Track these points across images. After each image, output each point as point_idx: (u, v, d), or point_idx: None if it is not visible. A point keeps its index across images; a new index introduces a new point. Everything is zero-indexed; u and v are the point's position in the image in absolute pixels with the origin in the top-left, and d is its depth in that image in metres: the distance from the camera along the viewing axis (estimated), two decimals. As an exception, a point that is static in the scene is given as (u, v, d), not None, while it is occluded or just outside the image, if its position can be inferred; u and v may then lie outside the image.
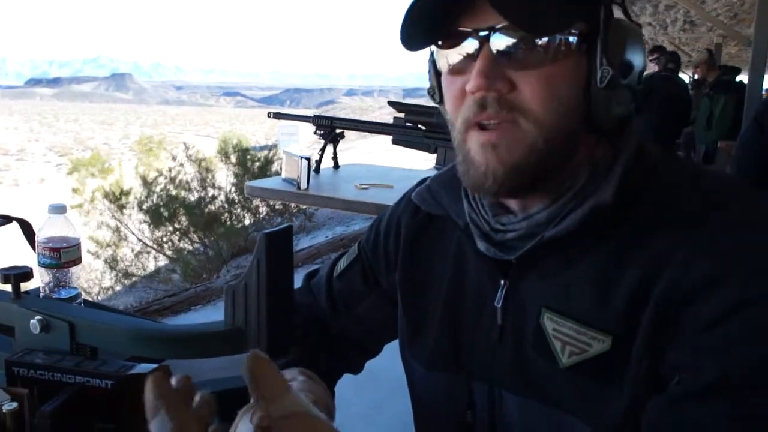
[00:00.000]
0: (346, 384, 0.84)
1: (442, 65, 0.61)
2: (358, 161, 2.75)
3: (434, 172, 0.75)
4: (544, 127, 0.55)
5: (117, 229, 7.80)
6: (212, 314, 3.83)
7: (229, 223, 7.88)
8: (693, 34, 8.86)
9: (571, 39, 0.55)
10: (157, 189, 7.86)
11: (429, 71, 0.67)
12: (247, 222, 8.08)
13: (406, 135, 2.04)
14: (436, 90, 0.66)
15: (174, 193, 7.88)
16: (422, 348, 0.71)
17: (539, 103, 0.55)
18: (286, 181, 2.04)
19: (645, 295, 0.53)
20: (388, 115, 2.58)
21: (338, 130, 2.19)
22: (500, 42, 0.55)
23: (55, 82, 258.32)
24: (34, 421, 0.62)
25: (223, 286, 0.58)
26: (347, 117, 2.54)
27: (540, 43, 0.55)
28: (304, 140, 2.26)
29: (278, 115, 2.37)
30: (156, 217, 7.70)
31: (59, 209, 0.86)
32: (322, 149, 2.21)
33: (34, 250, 0.87)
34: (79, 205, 7.68)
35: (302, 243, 6.79)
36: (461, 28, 0.57)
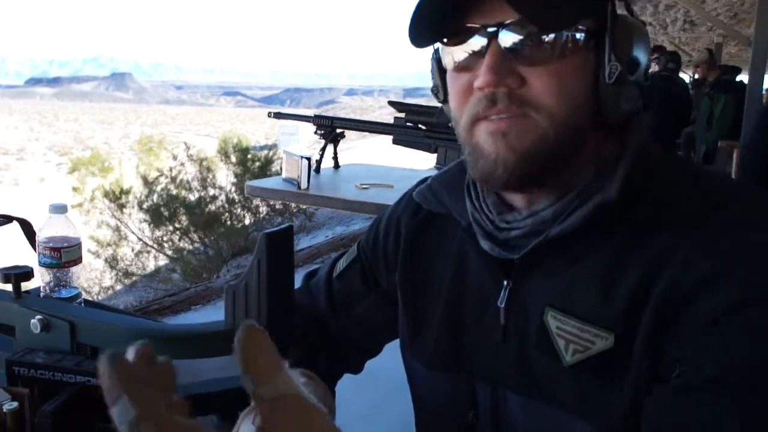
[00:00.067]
0: (346, 384, 0.84)
1: (448, 62, 0.61)
2: (359, 161, 2.75)
3: (435, 172, 0.75)
4: (555, 119, 0.56)
5: (117, 229, 7.80)
6: (212, 314, 3.83)
7: (229, 222, 7.88)
8: (693, 34, 8.85)
9: (579, 35, 0.56)
10: (158, 188, 7.86)
11: (432, 69, 0.67)
12: (247, 222, 8.08)
13: (407, 135, 2.04)
14: (440, 88, 0.66)
15: (174, 192, 7.88)
16: (423, 348, 0.71)
17: (551, 97, 0.55)
18: (287, 180, 2.04)
19: (645, 295, 0.53)
20: (388, 115, 2.58)
21: (338, 130, 2.19)
22: (509, 38, 0.55)
23: (55, 81, 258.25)
24: (35, 420, 0.62)
25: (224, 286, 0.58)
26: (347, 117, 2.54)
27: (549, 38, 0.55)
28: (305, 140, 2.26)
29: (278, 115, 2.37)
30: (156, 216, 7.70)
31: (60, 209, 0.86)
32: (323, 149, 2.21)
33: (35, 249, 0.87)
34: (80, 204, 7.68)
35: (302, 243, 6.79)
36: (469, 25, 0.57)
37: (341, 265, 0.83)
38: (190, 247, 7.83)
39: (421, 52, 0.63)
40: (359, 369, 0.86)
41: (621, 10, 0.59)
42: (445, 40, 0.60)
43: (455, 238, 0.70)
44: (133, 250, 7.85)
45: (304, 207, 7.33)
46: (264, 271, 0.55)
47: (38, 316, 0.70)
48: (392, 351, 0.83)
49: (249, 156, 8.25)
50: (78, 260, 0.86)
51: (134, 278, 7.65)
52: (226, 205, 8.01)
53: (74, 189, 7.94)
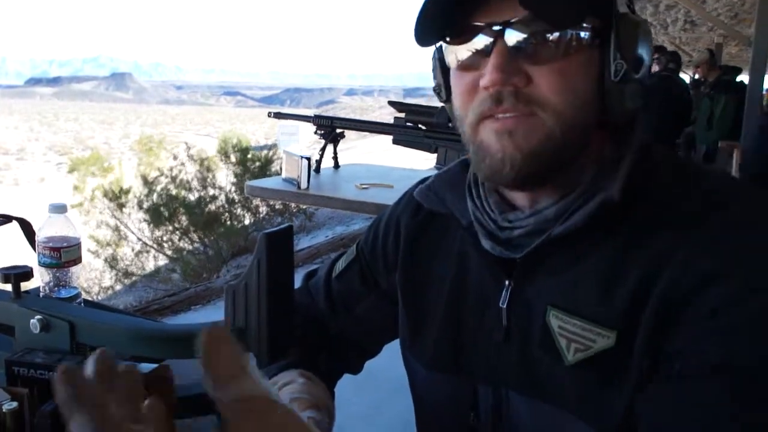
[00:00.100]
0: (346, 384, 0.84)
1: (451, 61, 0.61)
2: (359, 161, 2.75)
3: (435, 172, 0.75)
4: (561, 118, 0.55)
5: (117, 228, 7.81)
6: (212, 314, 3.83)
7: (229, 222, 7.88)
8: (693, 34, 8.86)
9: (584, 33, 0.56)
10: (158, 188, 7.86)
11: (434, 68, 0.66)
12: (247, 222, 8.08)
13: (407, 135, 2.04)
14: (442, 87, 0.66)
15: (174, 192, 7.88)
16: (422, 348, 0.71)
17: (557, 96, 0.55)
18: (287, 180, 2.04)
19: (645, 295, 0.53)
20: (388, 115, 2.58)
21: (338, 130, 2.19)
22: (515, 36, 0.55)
23: (55, 81, 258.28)
24: (34, 420, 0.62)
25: (223, 286, 0.58)
26: (347, 117, 2.54)
27: (554, 37, 0.55)
28: (305, 140, 2.26)
29: (278, 115, 2.37)
30: (156, 216, 7.70)
31: (59, 209, 0.86)
32: (323, 149, 2.21)
33: (35, 249, 0.87)
34: (80, 203, 7.69)
35: (302, 243, 6.79)
36: (475, 23, 0.57)
37: (340, 265, 0.83)
38: (190, 247, 7.83)
39: (421, 52, 0.63)
40: (359, 369, 0.86)
41: (623, 8, 0.58)
42: (448, 38, 0.60)
43: (456, 238, 0.70)
44: (132, 250, 7.85)
45: (304, 207, 7.33)
46: (264, 271, 0.55)
47: (38, 316, 0.70)
48: (392, 351, 0.83)
49: (249, 156, 8.25)
50: (77, 260, 0.86)
51: (134, 278, 7.65)
52: (226, 205, 8.01)
53: (75, 187, 7.94)
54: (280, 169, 2.10)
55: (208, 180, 8.06)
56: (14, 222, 0.94)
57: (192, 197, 7.95)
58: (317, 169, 2.18)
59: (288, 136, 2.27)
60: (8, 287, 0.76)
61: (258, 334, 0.56)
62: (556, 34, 0.55)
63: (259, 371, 0.35)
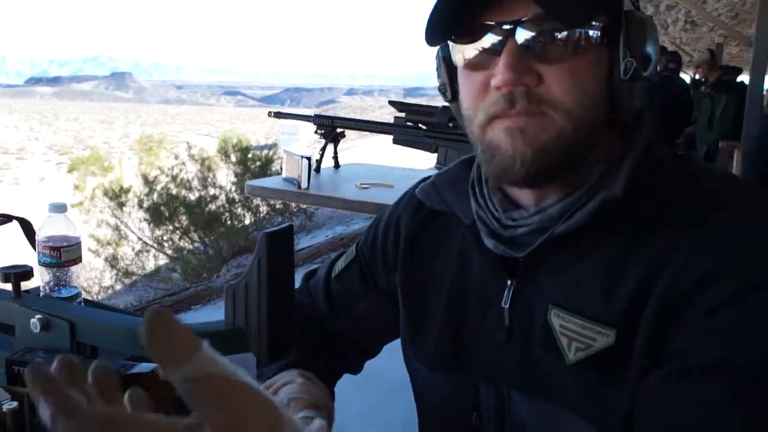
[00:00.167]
0: (345, 384, 0.84)
1: (458, 60, 0.60)
2: (359, 161, 2.75)
3: (435, 172, 0.75)
4: (572, 117, 0.55)
5: (117, 228, 7.81)
6: (212, 314, 3.83)
7: (229, 222, 7.88)
8: (694, 34, 8.85)
9: (594, 32, 0.56)
10: (158, 187, 7.87)
11: (438, 67, 0.66)
12: (247, 221, 8.08)
13: (407, 134, 2.04)
14: (447, 86, 0.65)
15: (174, 192, 7.88)
16: (423, 348, 0.71)
17: (568, 96, 0.55)
18: (287, 180, 2.04)
19: (645, 295, 0.53)
20: (388, 115, 2.58)
21: (339, 130, 2.19)
22: (525, 35, 0.55)
23: (55, 80, 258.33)
24: (35, 420, 0.62)
25: (224, 286, 0.58)
26: (348, 116, 2.54)
27: (565, 36, 0.55)
28: (305, 139, 2.26)
29: (279, 115, 2.37)
30: (156, 215, 7.71)
31: (60, 208, 0.86)
32: (323, 149, 2.21)
33: (35, 249, 0.87)
34: (80, 203, 7.69)
35: (302, 242, 6.79)
36: (485, 22, 0.56)
37: (340, 265, 0.83)
38: (190, 247, 7.83)
39: (421, 52, 0.63)
40: (359, 369, 0.86)
41: (628, 5, 0.58)
42: (453, 37, 0.60)
43: (457, 237, 0.70)
44: (133, 249, 7.85)
45: (304, 207, 7.34)
46: (264, 271, 0.55)
47: (38, 316, 0.70)
48: (392, 351, 0.83)
49: (249, 155, 8.25)
50: (78, 259, 0.86)
51: (134, 278, 7.65)
52: (227, 205, 8.01)
53: (75, 186, 7.94)
54: (281, 168, 2.10)
55: (209, 179, 8.06)
56: (14, 221, 0.94)
57: (192, 197, 7.95)
58: (317, 169, 2.18)
59: (288, 135, 2.27)
60: (8, 287, 0.76)
61: (258, 333, 0.56)
62: (566, 32, 0.55)
63: (214, 350, 0.33)
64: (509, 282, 0.62)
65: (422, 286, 0.72)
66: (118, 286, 7.53)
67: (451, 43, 0.61)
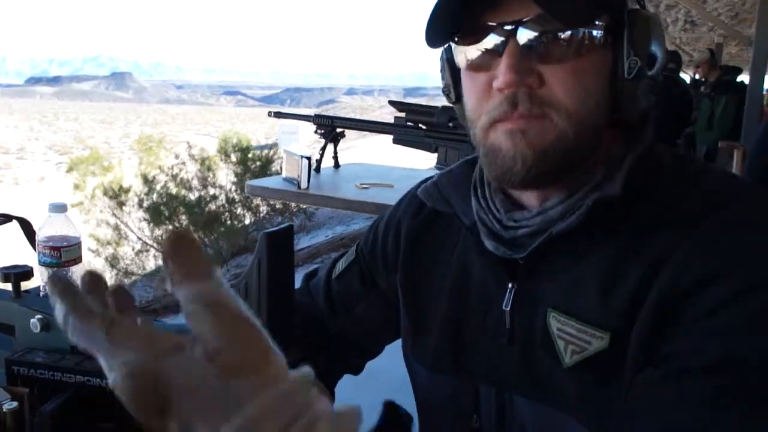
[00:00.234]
0: (346, 384, 0.84)
1: (461, 61, 0.60)
2: (359, 160, 2.75)
3: (435, 172, 0.75)
4: (574, 119, 0.55)
5: (117, 228, 7.81)
6: (212, 313, 3.82)
7: (229, 222, 7.88)
8: (694, 34, 8.85)
9: (597, 31, 0.55)
10: (158, 187, 7.87)
11: (442, 68, 0.66)
12: (247, 221, 8.08)
13: (407, 134, 2.04)
14: (451, 88, 0.65)
15: (174, 191, 7.88)
16: (424, 348, 0.71)
17: (569, 97, 0.55)
18: (287, 180, 2.04)
19: (644, 295, 0.53)
20: (388, 115, 2.58)
21: (339, 130, 2.18)
22: (527, 36, 0.54)
23: (55, 80, 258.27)
24: (35, 420, 0.62)
25: (224, 286, 0.58)
26: (348, 116, 2.54)
27: (567, 36, 0.54)
28: (305, 139, 2.26)
29: (279, 114, 2.37)
30: (156, 215, 7.71)
31: (60, 208, 0.86)
32: (323, 148, 2.21)
33: (35, 249, 0.87)
34: (80, 203, 7.69)
35: (302, 242, 6.79)
36: (487, 23, 0.56)
37: (340, 266, 0.83)
38: (191, 247, 7.81)
39: (422, 52, 0.63)
40: (359, 370, 0.86)
41: (633, 3, 0.58)
42: (456, 38, 0.59)
43: (458, 238, 0.70)
44: (133, 249, 7.85)
45: (304, 206, 7.33)
46: (264, 271, 0.55)
47: (38, 316, 0.70)
48: (392, 351, 0.83)
49: (249, 155, 8.25)
50: (78, 259, 0.86)
51: (134, 277, 7.65)
52: (226, 205, 8.01)
53: (75, 186, 7.94)
54: (281, 168, 2.10)
55: (209, 179, 8.06)
56: (14, 221, 0.94)
57: (192, 196, 7.95)
58: (317, 169, 2.17)
59: (288, 135, 2.27)
60: (8, 287, 0.76)
61: (258, 333, 0.56)
62: (569, 32, 0.54)
63: (227, 282, 0.34)
64: (510, 285, 0.62)
65: (423, 286, 0.72)
66: (118, 286, 7.52)
67: (453, 45, 0.61)
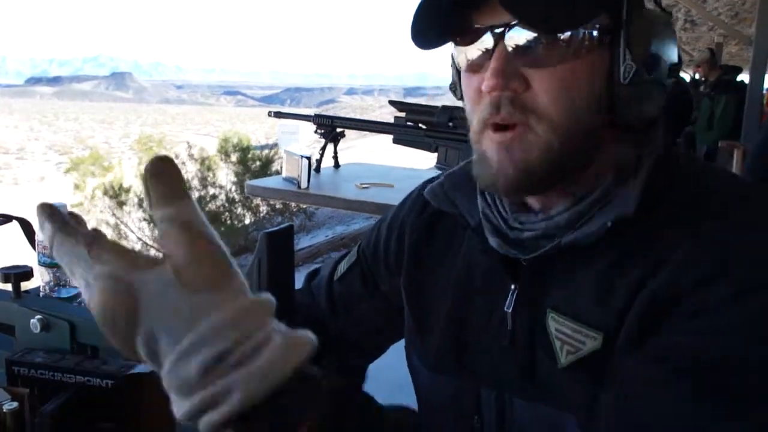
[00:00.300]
0: (346, 384, 0.84)
1: (461, 62, 0.60)
2: (359, 160, 2.75)
3: (435, 172, 0.75)
4: (557, 128, 0.54)
5: (117, 227, 7.81)
6: (212, 313, 3.81)
7: (229, 222, 7.88)
8: (694, 34, 8.85)
9: (592, 33, 0.54)
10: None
11: (451, 66, 0.65)
12: (247, 221, 8.08)
13: (407, 134, 2.04)
14: (457, 86, 0.65)
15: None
16: (426, 348, 0.71)
17: (552, 103, 0.54)
18: (287, 180, 2.04)
19: (640, 295, 0.52)
20: (388, 115, 2.58)
21: (339, 130, 2.19)
22: (515, 39, 0.54)
23: (55, 80, 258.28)
24: (35, 420, 0.62)
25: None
26: (348, 116, 2.54)
27: (556, 39, 0.53)
28: (305, 139, 2.26)
29: (279, 114, 2.37)
30: (156, 215, 7.69)
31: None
32: (323, 148, 2.21)
33: (35, 249, 0.87)
34: (80, 203, 7.69)
35: (302, 242, 6.79)
36: (477, 25, 0.56)
37: (342, 268, 0.83)
38: (190, 247, 7.82)
39: (421, 52, 0.62)
40: (361, 372, 0.86)
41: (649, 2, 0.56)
42: (457, 39, 0.59)
43: (462, 239, 0.69)
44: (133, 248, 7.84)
45: (304, 206, 7.34)
46: (264, 271, 0.55)
47: (38, 316, 0.70)
48: (393, 351, 0.83)
49: (249, 155, 8.25)
50: (78, 260, 0.86)
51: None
52: (227, 204, 8.01)
53: (75, 186, 7.95)
54: (281, 168, 2.10)
55: (209, 179, 8.06)
56: (14, 221, 0.94)
57: (192, 196, 7.95)
58: (317, 169, 2.17)
59: (288, 135, 2.27)
60: (8, 287, 0.76)
61: (258, 334, 0.55)
62: (561, 35, 0.53)
63: (200, 212, 0.38)
64: (513, 286, 0.62)
65: (427, 286, 0.72)
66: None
67: (454, 45, 0.61)
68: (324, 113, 2.57)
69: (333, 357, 0.81)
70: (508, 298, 0.62)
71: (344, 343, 0.82)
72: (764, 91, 5.00)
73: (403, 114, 2.06)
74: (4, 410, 0.61)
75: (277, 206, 7.91)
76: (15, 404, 0.62)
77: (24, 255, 0.89)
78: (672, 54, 0.57)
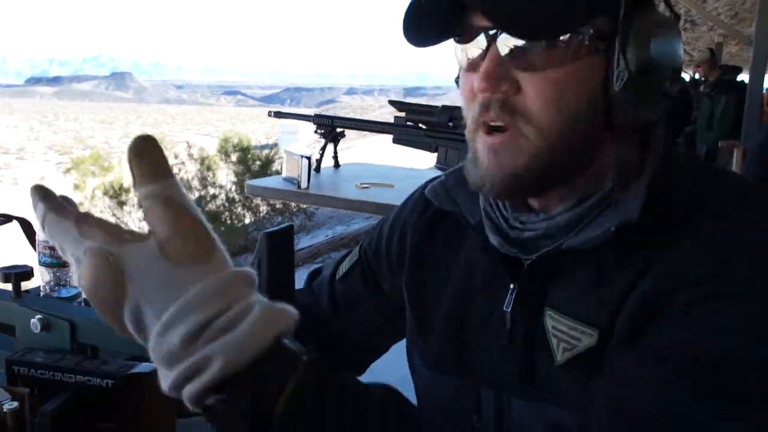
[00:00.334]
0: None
1: (460, 60, 0.60)
2: (359, 160, 2.76)
3: (436, 172, 0.75)
4: (546, 133, 0.54)
5: (117, 228, 7.82)
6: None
7: (229, 222, 7.88)
8: (693, 34, 8.85)
9: (587, 38, 0.53)
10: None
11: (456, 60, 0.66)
12: (247, 221, 8.09)
13: (407, 134, 2.04)
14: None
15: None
16: (427, 348, 0.71)
17: (542, 108, 0.53)
18: (287, 180, 2.04)
19: (635, 294, 0.52)
20: (388, 114, 2.58)
21: (339, 129, 2.19)
22: (506, 42, 0.53)
23: (55, 80, 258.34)
24: (35, 420, 0.62)
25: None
26: (348, 116, 2.54)
27: (544, 44, 0.52)
28: (305, 139, 2.26)
29: (279, 114, 2.37)
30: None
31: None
32: (323, 148, 2.21)
33: (35, 249, 0.87)
34: (80, 203, 7.70)
35: (302, 242, 6.79)
36: (476, 25, 0.55)
37: (344, 267, 0.83)
38: (190, 246, 7.82)
39: (422, 51, 0.62)
40: (362, 371, 0.86)
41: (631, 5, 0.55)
42: (458, 36, 0.59)
43: (464, 238, 0.69)
44: (133, 249, 7.84)
45: (305, 206, 7.34)
46: (264, 271, 0.55)
47: (38, 316, 0.70)
48: (393, 351, 0.83)
49: (249, 155, 8.25)
50: (78, 259, 0.86)
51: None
52: (227, 204, 8.01)
53: (75, 186, 7.95)
54: (281, 168, 2.10)
55: (209, 179, 8.06)
56: (14, 221, 0.94)
57: (192, 196, 7.95)
58: (317, 169, 2.18)
59: (288, 135, 2.27)
60: (9, 287, 0.76)
61: (259, 333, 0.55)
62: (553, 40, 0.52)
63: (183, 189, 0.39)
64: (512, 286, 0.62)
65: (428, 286, 0.72)
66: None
67: (455, 43, 0.61)
68: (324, 113, 2.57)
69: (334, 356, 0.82)
70: (508, 298, 0.62)
71: (346, 342, 0.82)
72: (764, 91, 5.00)
73: (403, 114, 2.06)
74: (4, 410, 0.61)
75: (277, 206, 7.91)
76: (15, 404, 0.62)
77: (24, 255, 0.89)
78: (676, 58, 0.56)
